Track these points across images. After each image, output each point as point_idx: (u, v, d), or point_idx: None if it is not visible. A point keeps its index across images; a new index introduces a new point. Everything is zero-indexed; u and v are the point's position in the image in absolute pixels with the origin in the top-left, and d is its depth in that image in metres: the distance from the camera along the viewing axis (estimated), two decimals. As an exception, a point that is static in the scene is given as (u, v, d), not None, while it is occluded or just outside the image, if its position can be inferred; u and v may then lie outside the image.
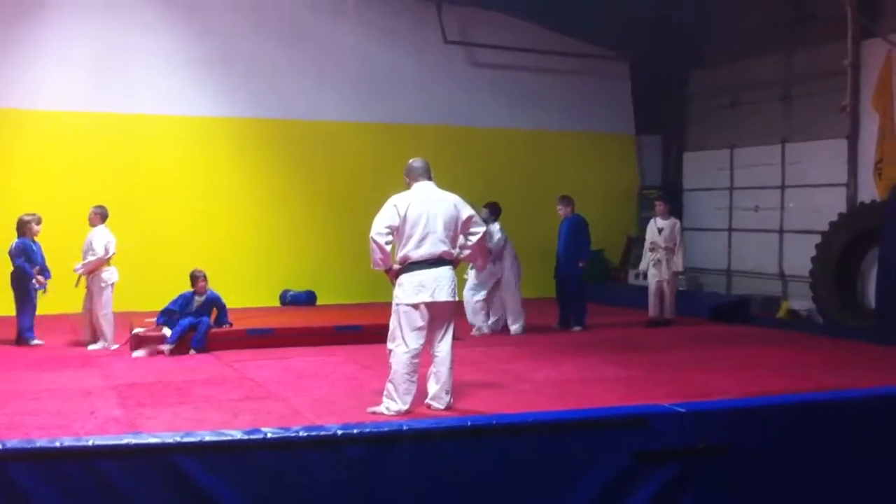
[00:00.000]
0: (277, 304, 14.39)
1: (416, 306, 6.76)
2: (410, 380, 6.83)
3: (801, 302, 13.48)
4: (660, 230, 12.56)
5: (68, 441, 3.78)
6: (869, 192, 12.72)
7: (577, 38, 16.32)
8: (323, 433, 3.86)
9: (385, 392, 6.89)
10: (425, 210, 6.82)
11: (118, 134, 13.87)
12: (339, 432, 3.84)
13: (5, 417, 6.57)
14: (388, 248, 6.81)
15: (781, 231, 14.61)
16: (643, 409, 4.53)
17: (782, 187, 14.62)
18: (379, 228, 6.78)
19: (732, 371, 8.81)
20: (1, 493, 3.61)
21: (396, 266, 6.90)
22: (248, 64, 14.63)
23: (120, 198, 13.13)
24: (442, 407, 6.98)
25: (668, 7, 15.02)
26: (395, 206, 6.83)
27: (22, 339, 10.12)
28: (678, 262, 12.48)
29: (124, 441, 3.78)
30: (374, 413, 6.82)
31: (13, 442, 3.89)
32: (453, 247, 6.98)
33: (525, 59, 16.11)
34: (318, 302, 14.44)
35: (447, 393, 7.03)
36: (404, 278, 6.80)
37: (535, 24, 16.11)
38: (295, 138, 14.87)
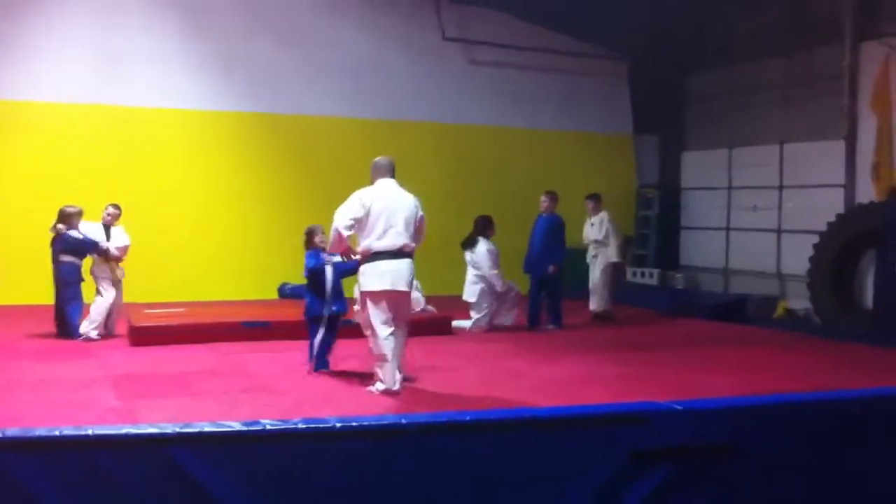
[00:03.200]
0: (276, 296, 14.38)
1: (378, 293, 7.29)
2: (394, 358, 7.33)
3: (798, 302, 13.50)
4: (591, 225, 12.72)
5: (67, 430, 3.78)
6: (867, 193, 12.75)
7: (576, 37, 16.33)
8: (322, 426, 3.86)
9: (376, 374, 7.42)
10: (388, 205, 7.39)
11: (117, 127, 13.85)
12: (338, 425, 3.85)
13: (5, 407, 6.56)
14: (348, 238, 7.41)
15: (779, 231, 14.64)
16: (642, 406, 4.54)
17: (780, 187, 14.65)
18: (344, 221, 7.31)
19: (730, 371, 8.81)
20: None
21: (357, 256, 7.43)
22: (247, 58, 14.62)
23: (118, 190, 13.11)
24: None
25: (667, 8, 15.02)
26: (360, 199, 7.36)
27: (73, 333, 10.02)
28: (611, 254, 12.58)
29: (123, 431, 3.78)
30: (371, 392, 7.35)
31: (12, 431, 3.88)
32: (411, 241, 7.47)
33: (523, 58, 16.11)
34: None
35: (399, 371, 7.49)
36: (367, 268, 7.34)
37: (533, 23, 16.11)
38: (294, 133, 14.87)
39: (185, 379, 7.87)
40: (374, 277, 7.32)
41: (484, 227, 11.51)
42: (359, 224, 7.34)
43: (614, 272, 12.82)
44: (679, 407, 4.27)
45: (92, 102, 13.75)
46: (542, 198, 11.94)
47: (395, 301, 7.37)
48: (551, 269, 11.57)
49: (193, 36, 14.33)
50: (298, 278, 14.45)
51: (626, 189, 17.04)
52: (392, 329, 7.35)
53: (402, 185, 7.64)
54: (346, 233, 7.35)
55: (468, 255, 11.46)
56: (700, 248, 16.26)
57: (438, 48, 15.70)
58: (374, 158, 7.80)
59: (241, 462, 3.81)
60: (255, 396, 7.23)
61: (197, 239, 14.03)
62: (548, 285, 11.71)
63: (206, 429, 3.78)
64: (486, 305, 11.40)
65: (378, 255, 7.31)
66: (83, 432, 3.75)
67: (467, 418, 4.12)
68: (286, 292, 14.37)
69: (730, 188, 15.72)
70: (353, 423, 3.92)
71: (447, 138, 15.65)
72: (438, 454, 4.01)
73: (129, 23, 13.94)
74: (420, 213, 7.63)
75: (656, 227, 16.79)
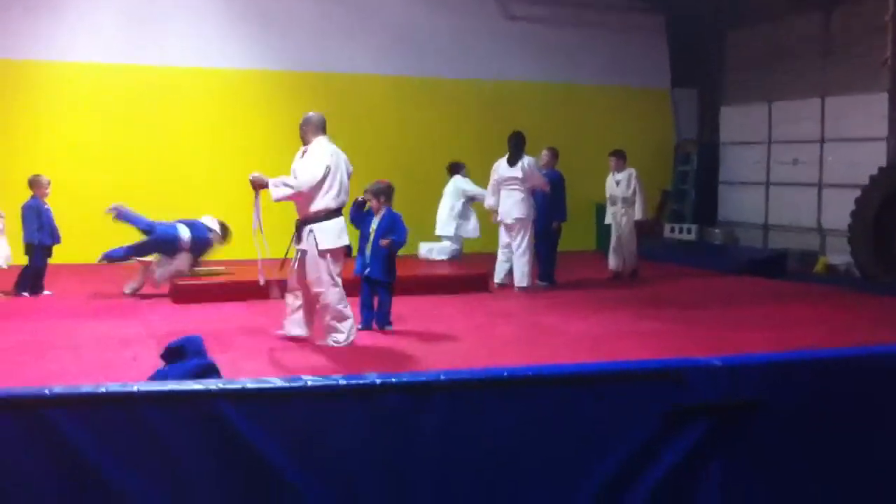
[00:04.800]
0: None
1: (339, 250, 7.61)
2: (347, 308, 7.66)
3: (839, 257, 13.36)
4: (617, 183, 12.52)
5: (113, 387, 3.85)
6: (910, 146, 12.54)
7: (613, -10, 16.13)
8: (361, 382, 3.90)
9: (330, 328, 7.64)
10: (340, 163, 7.63)
11: (151, 87, 13.92)
12: (378, 381, 3.88)
13: (47, 366, 6.71)
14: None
15: (820, 185, 14.45)
16: (678, 362, 4.52)
17: (821, 141, 14.43)
18: (315, 179, 7.42)
19: (768, 326, 8.78)
20: (44, 439, 3.69)
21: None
22: (282, 16, 14.60)
23: (151, 150, 13.28)
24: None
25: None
26: (329, 158, 7.51)
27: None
28: (638, 212, 12.42)
29: (168, 387, 3.85)
30: (325, 345, 7.61)
31: (58, 387, 3.97)
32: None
33: (560, 12, 15.95)
34: (354, 254, 14.49)
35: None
36: (327, 225, 7.52)
37: (570, -24, 15.94)
38: (328, 91, 14.82)
39: (227, 336, 7.99)
40: (335, 235, 7.57)
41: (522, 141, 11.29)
42: (318, 184, 7.50)
43: (639, 230, 12.72)
44: (717, 363, 4.25)
45: (126, 62, 13.82)
46: (543, 153, 11.83)
47: (343, 256, 7.74)
48: (555, 224, 11.50)
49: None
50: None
51: (664, 144, 16.88)
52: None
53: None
54: (306, 193, 7.49)
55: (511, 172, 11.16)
56: (739, 204, 16.09)
57: (475, 3, 15.56)
58: (306, 113, 7.84)
59: (283, 417, 3.86)
60: (296, 353, 7.34)
61: (234, 199, 14.10)
62: (546, 242, 11.53)
63: (248, 385, 3.83)
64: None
65: (335, 213, 7.58)
66: (128, 389, 3.82)
67: (505, 374, 4.14)
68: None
69: (769, 142, 15.52)
70: (393, 379, 3.95)
71: (483, 94, 15.56)
72: (475, 410, 4.03)
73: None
74: (350, 167, 7.83)
75: (694, 183, 16.63)
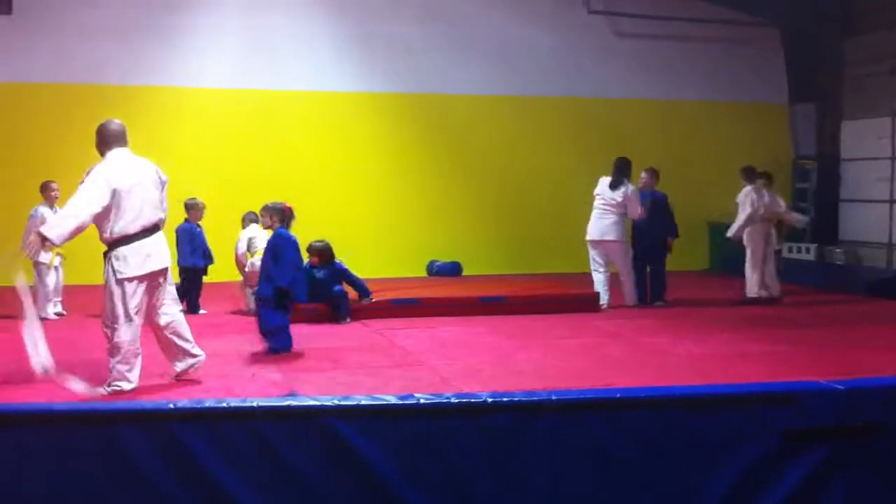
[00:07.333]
0: (425, 274, 14.69)
1: (142, 278, 6.49)
2: (138, 353, 6.57)
3: (968, 278, 12.78)
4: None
5: (234, 402, 4.01)
6: None
7: (724, 4, 15.81)
8: (473, 400, 3.96)
9: (115, 373, 6.50)
10: (138, 179, 6.52)
11: (266, 110, 14.43)
12: (489, 400, 3.94)
13: (171, 380, 6.97)
14: (84, 227, 6.40)
15: (948, 202, 13.87)
16: (792, 385, 4.44)
17: (949, 156, 13.85)
18: (93, 209, 6.31)
19: (889, 349, 8.46)
20: (169, 452, 3.85)
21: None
22: (387, 40, 14.88)
23: (268, 172, 13.70)
24: (186, 368, 6.85)
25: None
26: (106, 181, 6.37)
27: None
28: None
29: (286, 403, 3.98)
30: (102, 393, 6.39)
31: (182, 402, 4.15)
32: (163, 214, 6.76)
33: (670, 28, 15.74)
34: (465, 273, 14.64)
35: (192, 357, 6.87)
36: (125, 251, 6.43)
37: (681, -9, 15.74)
38: (433, 112, 15.04)
39: (340, 354, 8.16)
40: (137, 261, 6.45)
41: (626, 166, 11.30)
42: (105, 209, 6.37)
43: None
44: (835, 386, 4.15)
45: (245, 87, 14.36)
46: (642, 175, 11.68)
47: (154, 281, 6.60)
48: (670, 241, 11.49)
49: (336, 20, 14.70)
50: (446, 255, 14.80)
51: (781, 161, 16.44)
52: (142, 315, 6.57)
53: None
54: (89, 222, 6.37)
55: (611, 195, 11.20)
56: (861, 222, 15.54)
57: (582, 22, 15.53)
58: (102, 122, 6.70)
59: (396, 433, 3.95)
60: (407, 371, 7.44)
61: (344, 218, 14.42)
62: (657, 259, 11.45)
63: (363, 402, 3.94)
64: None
65: (136, 237, 6.46)
66: (249, 404, 3.97)
67: (617, 395, 4.14)
68: (434, 270, 14.68)
69: (893, 158, 14.95)
70: (504, 399, 4.00)
71: (590, 112, 15.48)
72: (585, 431, 4.04)
73: (276, 8, 14.46)
74: (164, 178, 6.78)
75: (813, 200, 16.15)
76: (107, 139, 6.62)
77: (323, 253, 10.23)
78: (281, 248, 8.26)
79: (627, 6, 15.60)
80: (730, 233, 12.02)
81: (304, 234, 12.75)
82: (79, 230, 6.35)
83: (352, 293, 10.24)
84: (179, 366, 6.88)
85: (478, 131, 15.12)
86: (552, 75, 15.45)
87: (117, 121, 6.74)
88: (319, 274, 10.08)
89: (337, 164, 14.72)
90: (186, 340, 6.87)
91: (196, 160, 13.67)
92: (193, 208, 10.64)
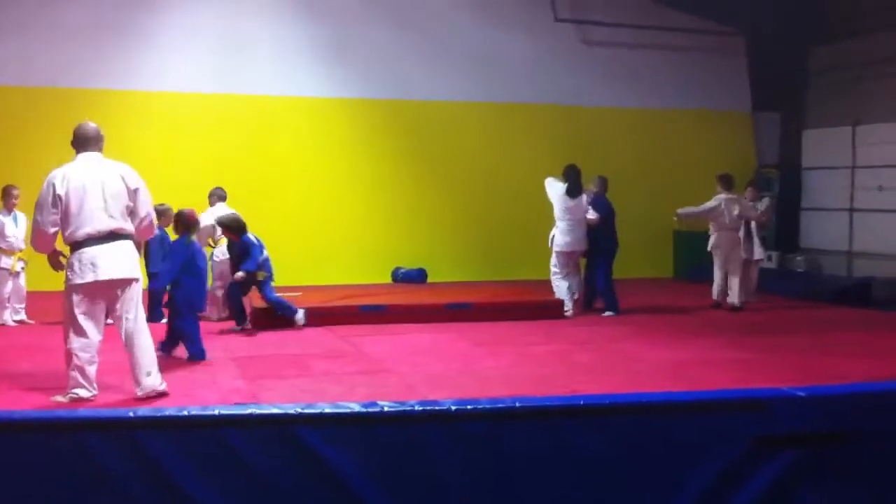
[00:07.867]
0: (389, 280, 14.62)
1: (87, 286, 6.27)
2: (92, 361, 6.37)
3: (928, 285, 12.93)
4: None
5: (195, 410, 3.93)
6: None
7: (690, 12, 15.95)
8: (438, 408, 3.91)
9: (71, 380, 6.35)
10: (86, 184, 6.27)
11: (239, 115, 14.30)
12: (454, 408, 3.89)
13: (131, 387, 6.84)
14: (54, 234, 6.35)
15: (907, 211, 14.05)
16: (762, 392, 4.44)
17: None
18: (47, 218, 6.25)
19: (855, 356, 8.52)
20: (133, 459, 3.78)
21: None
22: (362, 45, 14.83)
23: (237, 176, 13.56)
24: (146, 392, 6.45)
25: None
26: (52, 187, 6.26)
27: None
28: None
29: (249, 411, 3.91)
30: (60, 401, 6.33)
31: (143, 410, 4.07)
32: (125, 222, 6.42)
33: (637, 36, 15.86)
34: (430, 279, 14.60)
35: (148, 374, 6.48)
36: (73, 258, 6.29)
37: (647, 0, 15.83)
38: (405, 118, 15.02)
39: (305, 360, 8.07)
40: (82, 269, 6.24)
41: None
42: (58, 213, 6.25)
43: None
44: (802, 393, 4.16)
45: (215, 92, 14.21)
46: (595, 181, 11.67)
47: (109, 292, 6.37)
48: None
49: (311, 25, 14.63)
50: (411, 262, 14.75)
51: (744, 169, 16.57)
52: (99, 327, 6.41)
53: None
54: (49, 230, 6.29)
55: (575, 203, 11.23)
56: (822, 230, 15.72)
57: (550, 29, 15.57)
58: (78, 125, 6.56)
59: (360, 441, 3.90)
60: (372, 378, 7.37)
61: (315, 224, 14.34)
62: (604, 270, 11.41)
63: (327, 409, 3.88)
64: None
65: (83, 244, 6.27)
66: (211, 412, 3.90)
67: (581, 402, 4.11)
68: (399, 276, 14.62)
69: (853, 167, 15.14)
70: (468, 406, 3.96)
71: (559, 120, 15.53)
72: (552, 438, 4.01)
73: (249, 12, 14.34)
74: (135, 185, 6.47)
75: (776, 209, 16.29)
76: (77, 141, 6.50)
77: (232, 226, 9.76)
78: (175, 252, 8.41)
79: (595, 14, 15.68)
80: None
81: (269, 238, 12.73)
82: (53, 236, 6.36)
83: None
84: (137, 390, 6.50)
85: (445, 138, 15.12)
86: (521, 83, 15.49)
87: (92, 124, 6.57)
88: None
89: (304, 169, 14.64)
90: (139, 366, 6.46)
91: (165, 165, 13.49)
92: (164, 215, 10.50)
